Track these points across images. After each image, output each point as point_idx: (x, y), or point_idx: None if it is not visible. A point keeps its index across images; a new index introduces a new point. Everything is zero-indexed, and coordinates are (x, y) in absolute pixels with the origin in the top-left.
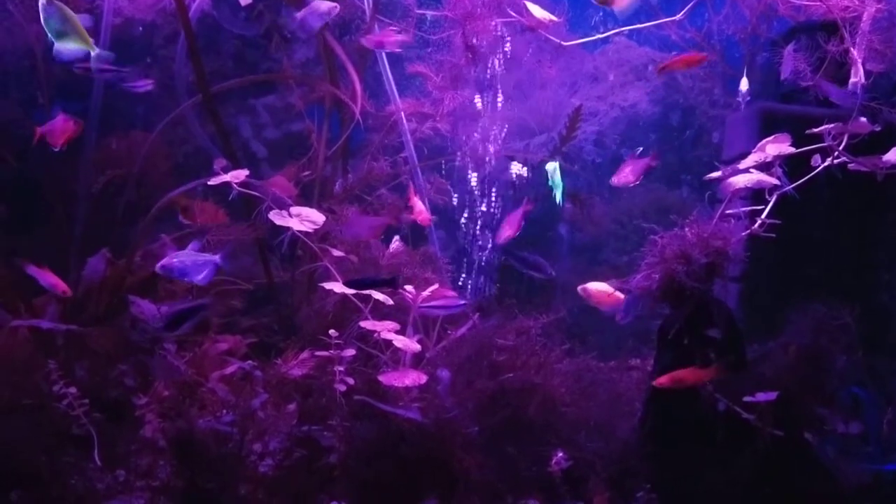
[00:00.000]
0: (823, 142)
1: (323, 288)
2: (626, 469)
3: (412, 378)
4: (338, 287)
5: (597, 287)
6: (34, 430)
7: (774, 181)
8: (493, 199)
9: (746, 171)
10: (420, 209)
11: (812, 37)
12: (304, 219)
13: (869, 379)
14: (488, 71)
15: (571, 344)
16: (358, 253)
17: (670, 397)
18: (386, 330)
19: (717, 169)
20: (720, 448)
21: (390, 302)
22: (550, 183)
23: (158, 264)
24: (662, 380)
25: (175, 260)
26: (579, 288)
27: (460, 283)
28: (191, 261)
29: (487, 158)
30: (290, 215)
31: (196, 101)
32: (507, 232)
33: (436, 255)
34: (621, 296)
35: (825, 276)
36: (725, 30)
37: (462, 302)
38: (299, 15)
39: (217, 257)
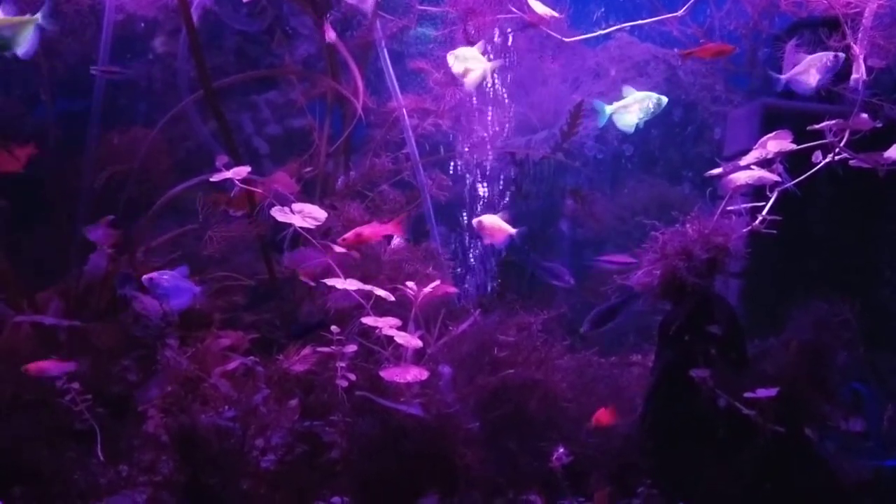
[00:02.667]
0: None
1: (325, 284)
2: (627, 464)
3: (414, 374)
4: (339, 283)
5: (490, 220)
6: (37, 425)
7: (776, 178)
8: (495, 194)
9: (748, 167)
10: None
11: (814, 32)
12: (306, 215)
13: (870, 375)
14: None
15: (572, 340)
16: (360, 249)
17: (671, 393)
18: (387, 326)
19: (718, 165)
20: (721, 444)
21: (392, 298)
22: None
23: (146, 276)
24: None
25: (165, 277)
26: (474, 221)
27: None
28: (174, 284)
29: (489, 154)
30: (292, 212)
31: (198, 97)
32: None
33: (437, 251)
34: (511, 229)
35: (826, 273)
36: (727, 25)
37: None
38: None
39: (198, 288)
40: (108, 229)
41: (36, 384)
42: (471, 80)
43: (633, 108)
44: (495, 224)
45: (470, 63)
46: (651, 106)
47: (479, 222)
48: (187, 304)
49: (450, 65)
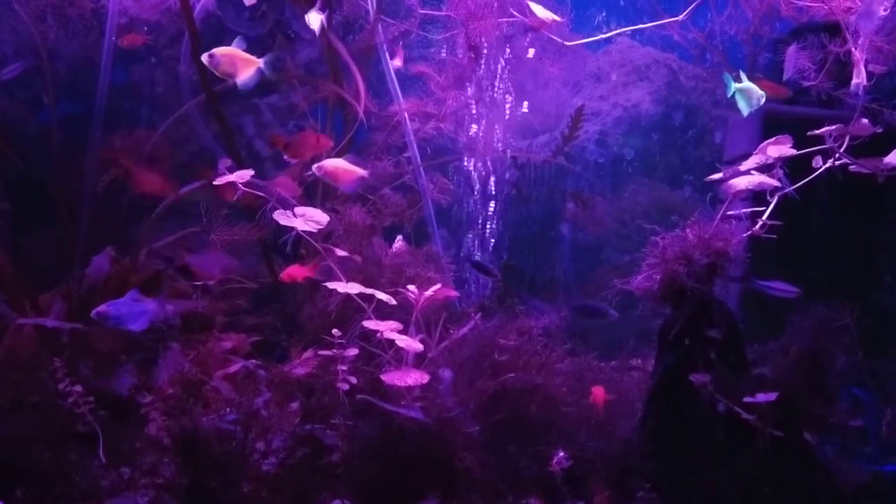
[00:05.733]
0: (825, 143)
1: (326, 287)
2: (627, 468)
3: (414, 377)
4: (341, 287)
5: (333, 164)
6: (39, 427)
7: (776, 183)
8: (496, 197)
9: (748, 172)
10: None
11: (816, 37)
12: (308, 219)
13: (869, 380)
14: (491, 71)
15: (573, 344)
16: (361, 252)
17: (671, 397)
18: (388, 329)
19: (718, 170)
20: (720, 448)
21: (393, 302)
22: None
23: (94, 311)
24: None
25: (111, 307)
26: (314, 167)
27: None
28: (127, 309)
29: (490, 158)
30: (294, 215)
31: (200, 101)
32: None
33: (438, 255)
34: (359, 171)
35: (826, 277)
36: (728, 30)
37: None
38: None
39: (153, 305)
40: None
41: (38, 386)
42: (242, 78)
43: (751, 93)
44: (340, 166)
45: (238, 62)
46: (759, 99)
47: (320, 167)
48: (147, 324)
49: (209, 66)
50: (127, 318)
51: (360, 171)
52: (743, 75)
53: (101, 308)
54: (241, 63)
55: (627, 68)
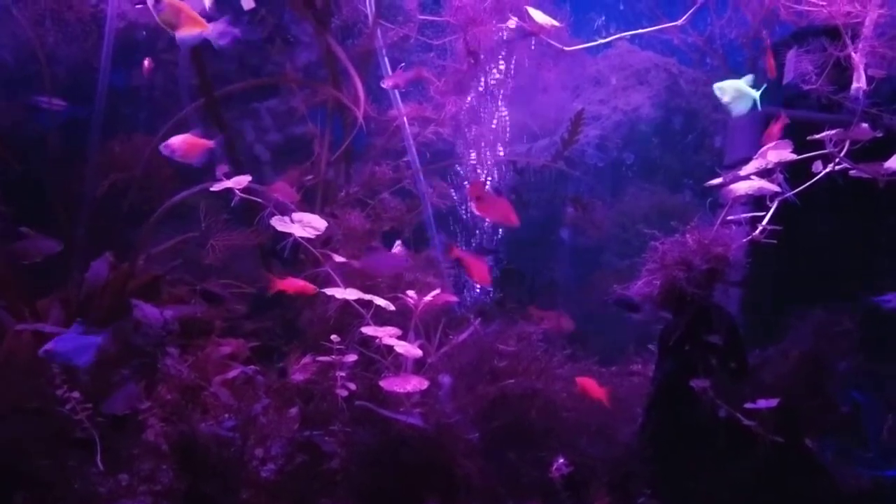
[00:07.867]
0: (825, 148)
1: (325, 293)
2: (628, 474)
3: (413, 383)
4: (339, 292)
5: (180, 139)
6: (37, 433)
7: (775, 188)
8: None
9: (748, 177)
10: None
11: (816, 41)
12: (305, 225)
13: (870, 385)
14: (490, 76)
15: (573, 349)
16: (359, 258)
17: (671, 403)
18: (387, 335)
19: (718, 174)
20: (721, 453)
21: (392, 307)
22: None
23: (41, 350)
24: None
25: (57, 344)
26: (162, 145)
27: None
28: (73, 344)
29: (490, 162)
30: (292, 221)
31: (199, 105)
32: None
33: (437, 260)
34: (206, 143)
35: (827, 282)
36: (728, 34)
37: None
38: None
39: (99, 338)
40: None
41: (37, 392)
42: (181, 34)
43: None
44: (187, 140)
45: (183, 16)
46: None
47: (167, 145)
48: (93, 357)
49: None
50: (73, 353)
51: (208, 143)
52: (749, 77)
53: (48, 346)
54: (185, 18)
55: (627, 72)
